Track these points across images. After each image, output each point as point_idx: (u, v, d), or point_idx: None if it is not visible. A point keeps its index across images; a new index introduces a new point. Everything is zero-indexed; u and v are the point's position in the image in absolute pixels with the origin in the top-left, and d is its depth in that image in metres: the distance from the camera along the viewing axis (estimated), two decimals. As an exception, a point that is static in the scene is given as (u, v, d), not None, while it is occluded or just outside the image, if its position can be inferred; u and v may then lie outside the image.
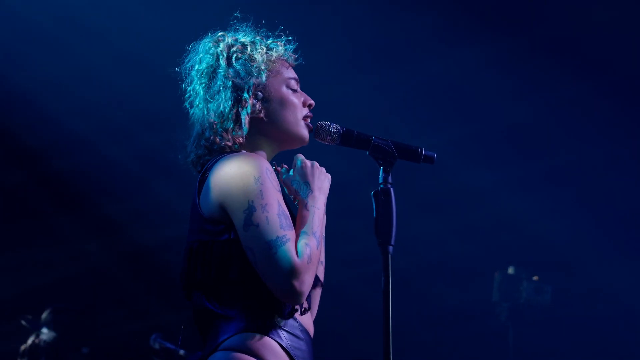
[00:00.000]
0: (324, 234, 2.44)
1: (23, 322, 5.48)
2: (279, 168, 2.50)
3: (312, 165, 2.46)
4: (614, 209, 6.35)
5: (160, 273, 6.56)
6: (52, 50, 5.89)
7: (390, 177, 2.39)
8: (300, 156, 2.48)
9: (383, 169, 2.41)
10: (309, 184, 2.41)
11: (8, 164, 6.47)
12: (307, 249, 2.25)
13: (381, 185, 2.38)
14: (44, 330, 5.41)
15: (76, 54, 5.91)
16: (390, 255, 2.32)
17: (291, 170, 2.47)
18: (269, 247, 2.21)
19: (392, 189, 2.37)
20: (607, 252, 6.27)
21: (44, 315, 5.53)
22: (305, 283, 2.22)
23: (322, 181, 2.45)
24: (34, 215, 6.71)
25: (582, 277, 6.36)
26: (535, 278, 6.28)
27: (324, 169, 2.49)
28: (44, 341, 5.40)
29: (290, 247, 2.22)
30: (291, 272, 2.20)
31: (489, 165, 6.30)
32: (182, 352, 4.97)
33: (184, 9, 5.58)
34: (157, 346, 5.11)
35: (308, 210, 2.36)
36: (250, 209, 2.24)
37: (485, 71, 6.08)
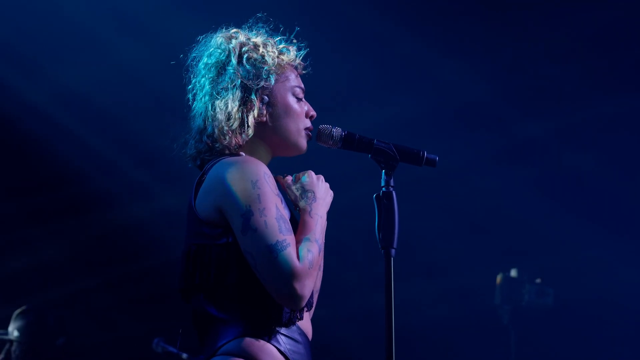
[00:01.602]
0: (323, 241, 2.46)
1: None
2: (284, 178, 2.48)
3: (318, 178, 2.47)
4: (617, 211, 6.35)
5: (162, 275, 6.55)
6: (54, 53, 5.89)
7: (392, 180, 2.40)
8: (308, 171, 2.48)
9: (385, 172, 2.41)
10: (314, 192, 2.41)
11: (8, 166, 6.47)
12: (309, 255, 2.26)
13: (383, 189, 2.39)
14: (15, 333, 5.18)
15: (77, 57, 5.91)
16: (392, 259, 2.32)
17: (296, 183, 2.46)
18: (269, 252, 2.21)
19: (394, 192, 2.38)
20: (610, 255, 6.26)
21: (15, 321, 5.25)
22: (307, 287, 2.22)
23: (325, 193, 2.45)
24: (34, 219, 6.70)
25: (584, 280, 6.35)
26: (538, 280, 6.27)
27: (328, 185, 2.49)
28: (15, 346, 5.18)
29: (290, 252, 2.22)
30: (292, 277, 2.20)
31: (492, 167, 6.30)
32: (184, 355, 4.96)
33: (189, 10, 5.58)
34: (159, 350, 5.11)
35: (312, 217, 2.36)
36: (248, 213, 2.24)
37: (485, 77, 6.09)
